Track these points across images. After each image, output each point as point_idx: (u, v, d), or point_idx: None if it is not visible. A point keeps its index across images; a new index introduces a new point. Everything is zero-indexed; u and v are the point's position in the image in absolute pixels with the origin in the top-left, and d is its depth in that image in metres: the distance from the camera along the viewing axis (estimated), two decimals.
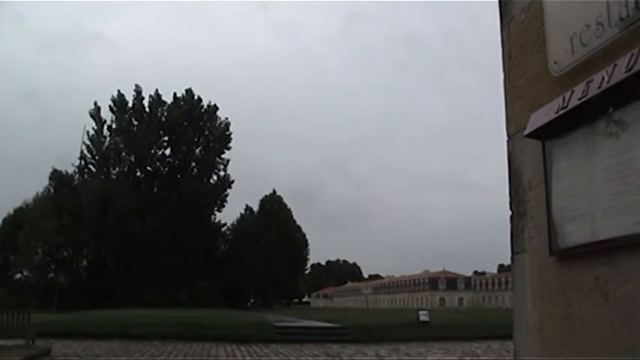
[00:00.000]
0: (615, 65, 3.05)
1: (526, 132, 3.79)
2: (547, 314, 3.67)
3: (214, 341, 21.97)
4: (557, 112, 3.44)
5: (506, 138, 4.30)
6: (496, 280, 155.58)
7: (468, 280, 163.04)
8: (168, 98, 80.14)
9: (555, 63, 3.66)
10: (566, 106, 3.36)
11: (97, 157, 76.28)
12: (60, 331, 21.68)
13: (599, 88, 3.10)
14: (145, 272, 65.15)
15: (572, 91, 3.35)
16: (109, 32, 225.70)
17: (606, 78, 3.08)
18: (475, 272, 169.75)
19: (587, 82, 3.23)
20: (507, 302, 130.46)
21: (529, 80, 4.06)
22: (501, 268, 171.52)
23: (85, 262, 75.48)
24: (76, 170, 75.45)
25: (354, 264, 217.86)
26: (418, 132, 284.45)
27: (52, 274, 70.97)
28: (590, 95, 3.16)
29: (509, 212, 4.19)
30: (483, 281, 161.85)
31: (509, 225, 4.28)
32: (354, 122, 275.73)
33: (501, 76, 4.48)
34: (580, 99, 3.22)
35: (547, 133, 3.64)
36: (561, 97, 3.45)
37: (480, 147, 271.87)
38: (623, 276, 3.11)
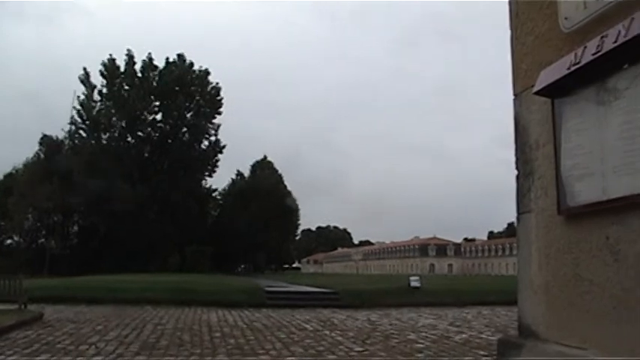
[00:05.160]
0: (633, 19, 2.97)
1: (535, 89, 3.72)
2: (553, 275, 3.63)
3: (205, 306, 21.91)
4: (568, 69, 3.36)
5: (512, 97, 4.25)
6: (486, 247, 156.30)
7: (457, 247, 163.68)
8: (160, 63, 79.72)
9: (566, 19, 3.58)
10: (579, 62, 3.28)
11: (87, 122, 75.57)
12: (51, 296, 21.57)
13: (616, 42, 3.02)
14: (136, 237, 64.98)
15: (585, 47, 3.28)
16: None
17: (623, 32, 3.00)
18: (465, 239, 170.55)
19: (602, 37, 3.16)
20: (497, 269, 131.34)
21: (537, 37, 3.98)
22: (491, 235, 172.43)
23: (75, 228, 75.19)
24: (67, 135, 74.80)
25: (345, 230, 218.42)
26: (403, 99, 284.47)
27: (42, 240, 70.84)
28: (605, 50, 3.09)
29: (515, 171, 4.15)
30: (473, 248, 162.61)
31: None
32: (339, 90, 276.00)
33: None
34: (594, 54, 3.15)
35: (557, 90, 3.57)
36: (573, 54, 3.37)
37: (466, 115, 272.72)
38: (634, 235, 3.06)
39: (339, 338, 13.51)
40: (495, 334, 14.61)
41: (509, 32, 4.50)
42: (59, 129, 75.43)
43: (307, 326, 16.16)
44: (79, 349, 10.76)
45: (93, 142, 74.38)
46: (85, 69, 76.37)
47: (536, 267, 3.82)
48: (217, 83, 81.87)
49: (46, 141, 72.73)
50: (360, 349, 11.81)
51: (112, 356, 10.10)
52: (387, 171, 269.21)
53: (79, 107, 75.19)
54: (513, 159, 4.30)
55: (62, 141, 74.16)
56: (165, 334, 13.55)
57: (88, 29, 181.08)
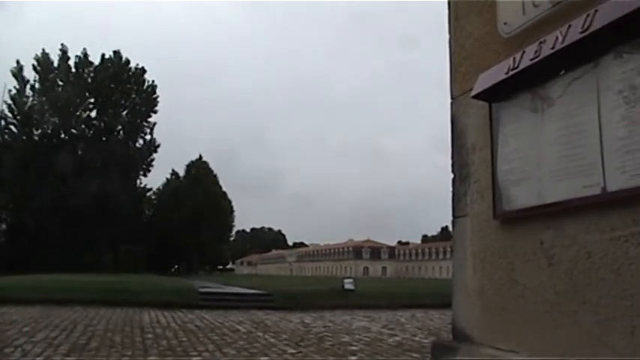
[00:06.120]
0: (570, 26, 3.00)
1: (473, 93, 3.73)
2: (488, 279, 3.65)
3: (138, 307, 21.65)
4: (506, 73, 3.38)
5: (449, 100, 4.27)
6: (420, 251, 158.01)
7: (392, 250, 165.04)
8: (95, 59, 78.66)
9: (505, 24, 3.61)
10: (517, 67, 3.31)
11: (18, 117, 74.17)
12: None
13: (553, 48, 3.05)
14: (67, 236, 63.90)
15: (524, 52, 3.30)
16: None
17: (560, 38, 3.03)
18: (399, 242, 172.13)
19: (540, 43, 3.18)
20: (431, 272, 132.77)
21: (477, 41, 4.00)
22: (425, 238, 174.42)
23: (3, 226, 73.68)
24: None
25: (279, 231, 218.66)
26: (339, 100, 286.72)
27: None
28: (542, 56, 3.11)
29: (451, 175, 4.16)
30: (407, 251, 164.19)
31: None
32: (272, 89, 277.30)
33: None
34: (532, 59, 3.17)
35: (495, 94, 3.59)
36: (511, 58, 3.39)
37: (402, 117, 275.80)
38: (569, 240, 3.09)
39: (273, 340, 13.47)
40: (428, 337, 14.76)
41: (447, 35, 4.51)
42: None
43: (240, 328, 16.09)
44: (4, 352, 10.47)
45: (24, 137, 72.85)
46: (18, 62, 74.82)
47: (471, 271, 3.84)
48: (153, 81, 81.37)
49: None
50: (294, 351, 11.79)
51: (39, 358, 9.87)
52: (322, 172, 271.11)
53: (9, 101, 73.53)
54: (449, 163, 4.31)
55: None
56: (96, 336, 13.32)
57: (20, 23, 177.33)
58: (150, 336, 13.67)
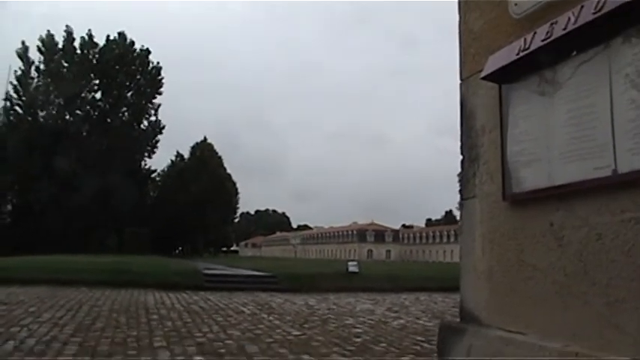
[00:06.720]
0: (582, 6, 2.97)
1: (482, 74, 3.70)
2: (497, 260, 3.64)
3: (142, 288, 21.70)
4: (517, 54, 3.36)
5: (459, 81, 4.24)
6: (424, 234, 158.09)
7: (396, 233, 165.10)
8: (100, 41, 78.49)
9: (516, 5, 3.57)
10: (528, 48, 3.28)
11: (23, 99, 74.08)
12: None
13: (565, 29, 3.02)
14: (73, 218, 63.99)
15: (535, 33, 3.27)
16: None
17: (572, 19, 3.00)
18: (403, 225, 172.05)
19: (552, 24, 3.15)
20: (434, 256, 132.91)
21: (486, 23, 3.97)
22: (429, 222, 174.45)
23: (9, 207, 73.73)
24: (1, 112, 73.20)
25: (283, 214, 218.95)
26: (343, 85, 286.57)
27: None
28: (554, 37, 3.09)
29: (460, 157, 4.14)
30: (411, 234, 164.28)
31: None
32: (274, 76, 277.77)
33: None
34: (543, 40, 3.15)
35: (505, 76, 3.57)
36: (522, 39, 3.37)
37: (406, 103, 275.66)
38: (579, 221, 3.08)
39: (277, 322, 13.49)
40: (432, 320, 14.77)
41: (457, 17, 4.48)
42: None
43: (245, 309, 16.12)
44: (10, 332, 10.50)
45: (29, 118, 72.80)
46: (23, 43, 74.68)
47: (480, 252, 3.83)
48: (158, 63, 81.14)
49: None
50: (298, 333, 11.81)
51: (45, 338, 9.89)
52: (326, 157, 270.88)
53: (15, 82, 73.50)
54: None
55: None
56: (101, 316, 13.35)
57: (25, 4, 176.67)
58: (155, 317, 13.71)
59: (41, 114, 75.29)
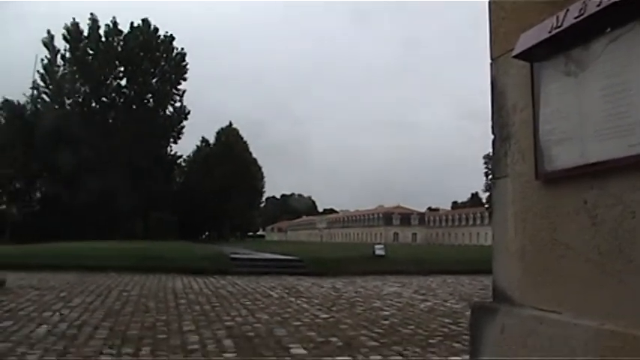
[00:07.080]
0: None
1: (514, 53, 3.65)
2: (530, 239, 3.61)
3: (170, 273, 21.89)
4: (549, 32, 3.31)
5: (489, 60, 4.20)
6: (449, 217, 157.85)
7: (422, 216, 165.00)
8: (124, 28, 78.86)
9: None
10: (561, 26, 3.22)
11: (50, 87, 74.85)
12: (13, 263, 21.30)
13: (599, 5, 2.97)
14: (100, 204, 64.49)
15: (568, 10, 3.22)
16: None
17: None
18: (429, 208, 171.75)
19: (585, 0, 3.11)
20: (460, 238, 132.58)
21: (517, 1, 3.94)
22: (455, 205, 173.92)
23: (38, 195, 74.49)
24: (29, 100, 73.94)
25: (309, 198, 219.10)
26: (368, 71, 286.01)
27: (3, 207, 70.12)
28: (587, 13, 3.04)
29: (492, 136, 4.10)
30: (437, 217, 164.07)
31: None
32: (305, 60, 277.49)
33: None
34: (577, 17, 3.10)
35: (537, 54, 3.52)
36: (555, 17, 3.31)
37: (431, 87, 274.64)
38: (613, 199, 3.04)
39: (305, 305, 13.56)
40: (460, 303, 14.78)
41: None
42: (20, 93, 74.06)
43: (272, 293, 16.21)
44: (43, 316, 10.65)
45: (56, 107, 73.44)
46: (48, 31, 75.31)
47: (512, 232, 3.80)
48: (182, 49, 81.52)
49: (7, 106, 71.52)
50: (326, 316, 11.85)
51: (76, 323, 10.02)
52: (352, 141, 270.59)
53: (42, 71, 74.11)
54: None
55: (24, 106, 73.02)
56: (131, 301, 13.49)
57: None
58: (183, 301, 13.82)
59: (68, 101, 75.91)
